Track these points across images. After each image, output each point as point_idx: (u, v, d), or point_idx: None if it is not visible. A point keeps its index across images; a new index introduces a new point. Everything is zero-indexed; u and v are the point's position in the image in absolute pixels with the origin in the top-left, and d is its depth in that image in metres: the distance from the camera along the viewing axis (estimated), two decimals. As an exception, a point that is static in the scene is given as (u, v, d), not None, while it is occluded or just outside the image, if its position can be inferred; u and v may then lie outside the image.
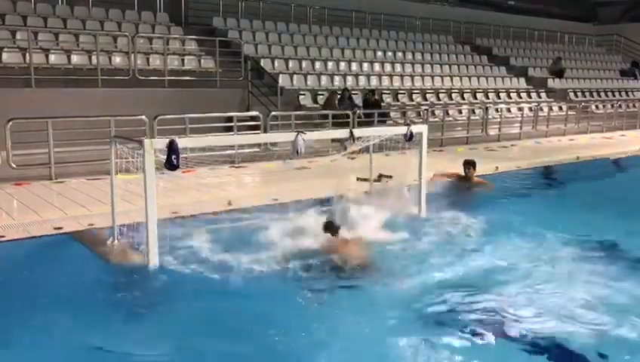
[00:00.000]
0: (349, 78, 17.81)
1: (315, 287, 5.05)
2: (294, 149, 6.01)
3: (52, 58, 12.89)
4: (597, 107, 21.52)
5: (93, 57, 13.08)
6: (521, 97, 21.48)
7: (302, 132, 6.13)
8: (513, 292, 5.03)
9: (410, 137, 7.26)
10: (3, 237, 6.24)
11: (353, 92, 16.19)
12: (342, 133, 6.88)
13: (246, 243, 6.20)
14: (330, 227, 6.07)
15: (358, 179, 9.52)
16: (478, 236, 6.68)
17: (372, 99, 15.76)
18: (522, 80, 22.81)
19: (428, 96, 18.88)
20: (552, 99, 21.82)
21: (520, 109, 18.83)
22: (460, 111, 18.01)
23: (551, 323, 4.50)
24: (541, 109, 18.97)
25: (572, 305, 4.78)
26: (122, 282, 5.28)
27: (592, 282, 5.26)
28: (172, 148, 5.25)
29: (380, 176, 9.50)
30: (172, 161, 5.24)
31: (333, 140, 8.73)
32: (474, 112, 17.66)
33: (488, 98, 20.44)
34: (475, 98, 20.13)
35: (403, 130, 7.39)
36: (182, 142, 5.61)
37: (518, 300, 4.87)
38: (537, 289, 5.12)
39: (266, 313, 4.62)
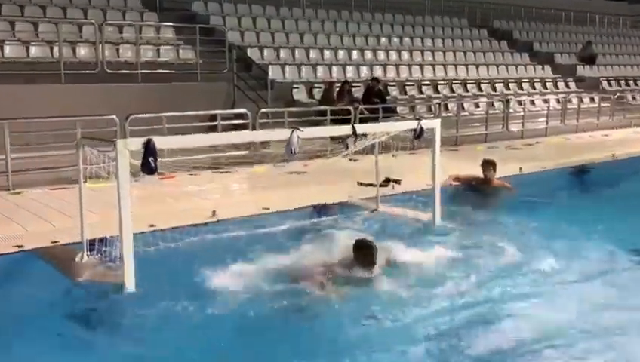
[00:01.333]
0: (349, 69, 17.86)
1: (311, 317, 5.03)
2: (288, 148, 6.03)
3: (7, 50, 12.92)
4: (634, 97, 21.62)
5: (55, 49, 13.09)
6: (546, 88, 21.55)
7: (297, 128, 6.16)
8: (542, 329, 4.82)
9: (419, 134, 7.28)
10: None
11: (354, 85, 16.23)
12: (343, 130, 6.91)
13: (233, 260, 6.19)
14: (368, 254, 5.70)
15: (360, 184, 9.56)
16: (498, 250, 6.66)
17: (376, 89, 15.80)
18: (548, 68, 22.89)
19: (440, 88, 18.92)
20: (583, 90, 21.89)
21: (546, 101, 18.91)
22: (477, 105, 18.05)
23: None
24: (570, 101, 19.04)
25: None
26: (93, 306, 5.28)
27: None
28: (149, 149, 5.28)
29: (388, 181, 9.54)
30: (149, 163, 5.26)
31: (332, 139, 8.79)
32: (493, 106, 17.71)
33: (509, 89, 20.49)
34: (494, 89, 20.17)
35: (412, 125, 7.42)
36: (159, 143, 5.62)
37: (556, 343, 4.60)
38: (577, 324, 4.89)
39: (257, 350, 4.60)
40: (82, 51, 13.71)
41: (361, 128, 6.93)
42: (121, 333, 4.78)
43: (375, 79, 16.12)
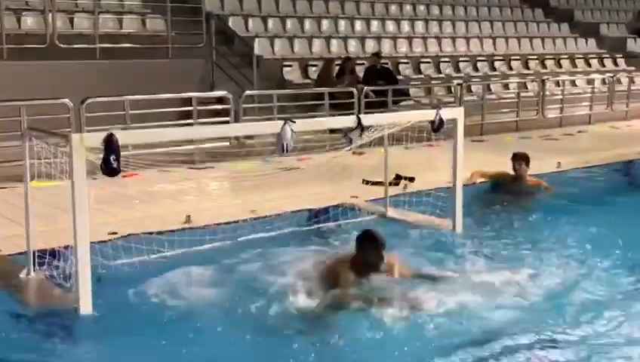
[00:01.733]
0: (352, 43, 17.84)
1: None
2: (280, 144, 6.02)
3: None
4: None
5: (-4, 19, 13.07)
6: (590, 65, 21.57)
7: (290, 120, 6.15)
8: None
9: (438, 126, 7.26)
10: None
11: (358, 62, 16.21)
12: (345, 120, 6.90)
13: (212, 275, 6.17)
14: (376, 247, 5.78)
15: (366, 182, 9.56)
16: (532, 262, 6.63)
17: (378, 66, 15.76)
18: (592, 41, 22.92)
19: (462, 65, 18.93)
20: (634, 67, 21.92)
21: (589, 82, 18.91)
22: (507, 86, 18.07)
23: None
24: (618, 81, 19.05)
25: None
26: (40, 331, 5.24)
27: None
28: (111, 146, 5.25)
29: (399, 179, 9.55)
30: (111, 163, 5.23)
31: (332, 131, 8.77)
32: (526, 87, 17.71)
33: (545, 67, 20.52)
34: (527, 67, 20.19)
35: (430, 115, 7.39)
36: (124, 137, 5.60)
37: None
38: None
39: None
40: (28, 21, 13.67)
41: (367, 119, 6.90)
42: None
43: (377, 55, 16.08)
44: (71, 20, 14.18)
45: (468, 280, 6.12)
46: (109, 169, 5.29)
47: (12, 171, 8.82)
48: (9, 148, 8.81)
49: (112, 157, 5.23)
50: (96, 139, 5.37)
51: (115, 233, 7.30)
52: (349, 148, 7.11)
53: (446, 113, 7.43)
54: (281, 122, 6.14)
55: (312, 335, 5.14)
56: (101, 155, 5.30)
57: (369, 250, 5.81)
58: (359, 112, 12.15)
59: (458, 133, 7.47)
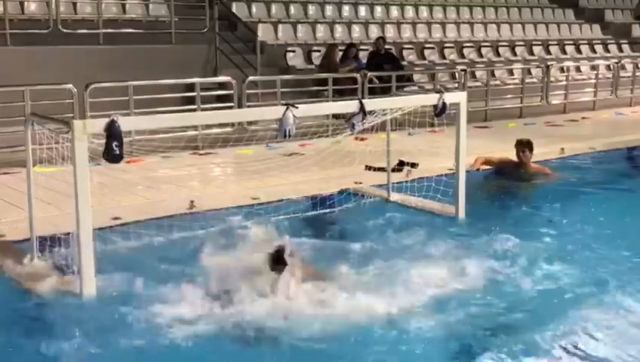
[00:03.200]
0: (356, 28, 17.79)
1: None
2: (282, 130, 6.00)
3: (-59, 5, 12.85)
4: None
5: (-1, 4, 13.05)
6: (595, 51, 21.49)
7: (292, 105, 6.12)
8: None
9: (441, 111, 7.24)
10: None
11: (362, 48, 16.17)
12: (348, 105, 6.87)
13: (216, 260, 6.17)
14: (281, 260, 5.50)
15: (368, 168, 9.55)
16: (536, 252, 6.55)
17: (382, 51, 15.71)
18: (596, 27, 22.81)
19: (466, 51, 18.88)
20: (639, 54, 21.83)
21: (594, 68, 18.84)
22: (511, 72, 18.01)
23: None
24: (623, 68, 18.99)
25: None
26: (43, 317, 5.26)
27: None
28: (113, 132, 5.23)
29: (402, 164, 9.54)
30: (113, 149, 5.22)
31: (335, 117, 8.76)
32: (530, 73, 17.64)
33: (550, 53, 20.44)
34: (532, 53, 20.11)
35: (432, 99, 7.37)
36: (126, 123, 5.58)
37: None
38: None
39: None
40: (32, 6, 13.64)
41: (369, 104, 6.87)
42: (77, 348, 4.78)
43: (382, 39, 16.02)
44: (74, 5, 14.17)
45: (466, 265, 6.09)
46: (112, 156, 5.28)
47: (16, 156, 8.83)
48: (13, 134, 8.83)
49: (114, 144, 5.22)
50: (98, 125, 5.36)
51: (118, 218, 7.35)
52: (352, 133, 7.09)
53: (449, 98, 7.41)
54: (283, 108, 6.13)
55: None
56: (103, 141, 5.29)
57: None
58: (362, 98, 12.11)
59: (461, 117, 7.45)
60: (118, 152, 5.28)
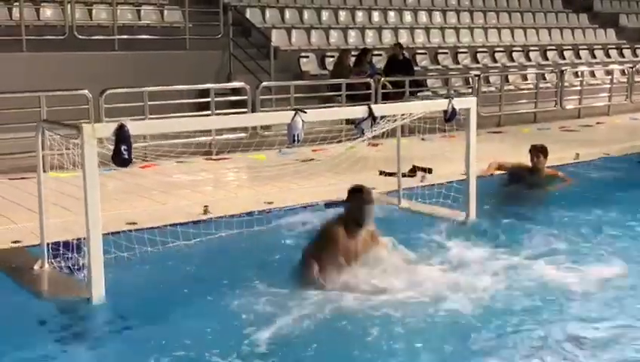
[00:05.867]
0: (369, 34, 17.76)
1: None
2: (290, 135, 5.97)
3: (-43, 12, 12.95)
4: None
5: (15, 10, 13.08)
6: (609, 56, 21.35)
7: (301, 110, 6.09)
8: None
9: (451, 116, 7.19)
10: None
11: (375, 53, 16.11)
12: (357, 110, 6.82)
13: (228, 266, 6.17)
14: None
15: (382, 173, 9.50)
16: (550, 258, 6.47)
17: (400, 57, 15.65)
18: (611, 32, 22.67)
19: (479, 56, 18.80)
20: (654, 58, 21.68)
21: (608, 73, 18.70)
22: (525, 78, 17.92)
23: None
24: (638, 72, 18.83)
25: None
26: (54, 323, 5.24)
27: None
28: (121, 136, 5.22)
29: (415, 169, 9.48)
30: (122, 153, 5.21)
31: (348, 121, 8.72)
32: (544, 78, 17.53)
33: (564, 58, 20.32)
34: (546, 58, 20.01)
35: (442, 104, 7.31)
36: (136, 127, 5.58)
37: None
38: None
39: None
40: (47, 12, 13.72)
41: (378, 109, 6.83)
42: (86, 353, 4.75)
43: (399, 45, 15.97)
44: (89, 12, 14.24)
45: (480, 268, 6.08)
46: (121, 160, 5.28)
47: (33, 162, 8.83)
48: (30, 139, 8.83)
49: (123, 148, 5.21)
50: (107, 129, 5.35)
51: (133, 223, 7.33)
52: (362, 138, 7.06)
53: (459, 103, 7.36)
54: (292, 112, 6.09)
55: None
56: (112, 146, 5.28)
57: (355, 201, 5.87)
58: (375, 103, 12.06)
59: (471, 122, 7.41)
60: (126, 156, 5.27)
